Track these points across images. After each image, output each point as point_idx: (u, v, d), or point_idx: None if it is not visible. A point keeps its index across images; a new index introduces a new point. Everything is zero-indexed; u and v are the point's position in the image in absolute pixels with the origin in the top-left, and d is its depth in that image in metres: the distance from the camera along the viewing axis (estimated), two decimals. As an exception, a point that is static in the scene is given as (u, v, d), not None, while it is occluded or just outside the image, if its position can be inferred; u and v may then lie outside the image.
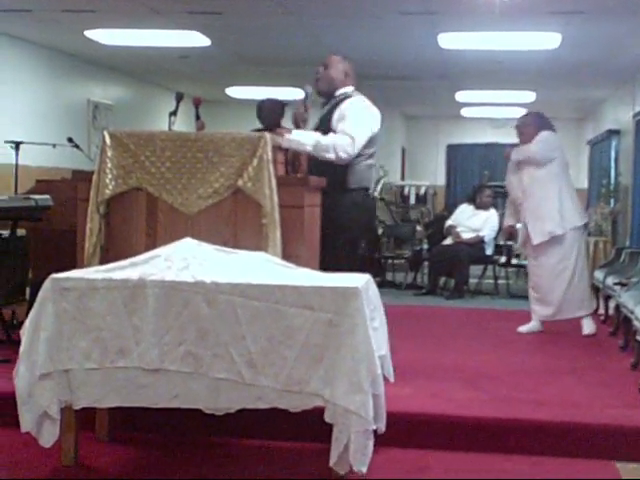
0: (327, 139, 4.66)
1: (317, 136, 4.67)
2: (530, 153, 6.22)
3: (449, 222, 9.64)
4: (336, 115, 4.79)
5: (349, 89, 4.93)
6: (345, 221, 4.76)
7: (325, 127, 4.79)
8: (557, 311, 6.31)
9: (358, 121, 4.72)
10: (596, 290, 7.27)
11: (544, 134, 6.28)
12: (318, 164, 4.65)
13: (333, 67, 4.93)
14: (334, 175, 4.67)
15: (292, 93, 12.99)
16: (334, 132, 4.72)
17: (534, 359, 5.48)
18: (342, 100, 4.85)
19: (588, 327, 6.32)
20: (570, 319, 6.33)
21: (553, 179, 6.21)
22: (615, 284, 6.42)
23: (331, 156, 4.65)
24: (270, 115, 6.23)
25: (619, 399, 4.37)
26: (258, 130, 5.94)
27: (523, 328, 6.47)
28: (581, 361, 5.39)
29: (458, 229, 9.41)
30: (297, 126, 4.80)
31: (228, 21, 7.92)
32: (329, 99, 4.94)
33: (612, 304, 6.72)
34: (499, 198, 10.62)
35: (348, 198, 4.79)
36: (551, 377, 4.90)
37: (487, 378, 4.78)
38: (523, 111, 14.04)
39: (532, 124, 6.33)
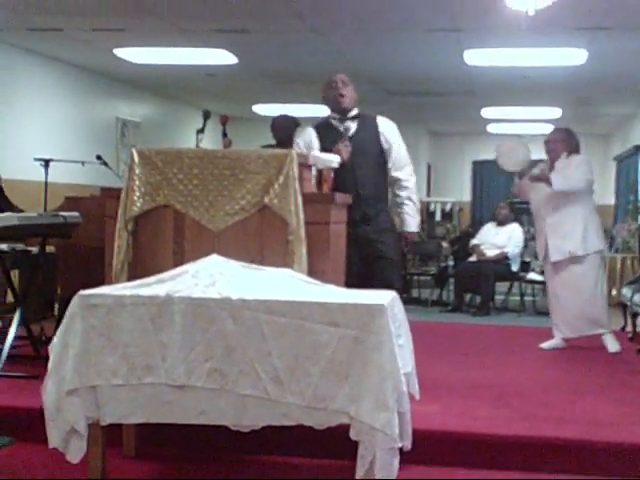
0: (414, 190, 5.24)
1: (414, 194, 5.23)
2: (574, 187, 6.12)
3: (474, 241, 9.63)
4: (387, 137, 5.09)
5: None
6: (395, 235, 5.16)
7: (363, 147, 5.00)
8: (573, 328, 6.28)
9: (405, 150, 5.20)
10: (623, 307, 7.20)
11: (579, 161, 6.23)
12: (366, 181, 4.95)
13: (351, 86, 5.08)
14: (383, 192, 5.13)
15: (318, 110, 13.06)
16: (385, 156, 5.09)
17: (560, 376, 5.44)
18: (372, 119, 5.09)
19: (612, 346, 6.27)
20: (591, 336, 6.29)
21: (580, 200, 6.17)
22: (641, 300, 6.37)
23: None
24: (283, 131, 6.28)
25: (647, 417, 4.33)
26: (271, 146, 5.98)
27: (545, 344, 6.45)
28: (608, 378, 5.35)
29: (482, 247, 9.40)
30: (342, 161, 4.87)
31: (254, 39, 7.98)
32: (343, 116, 5.07)
33: (639, 321, 6.66)
34: (524, 214, 10.60)
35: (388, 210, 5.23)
36: (577, 395, 4.86)
37: (513, 395, 4.76)
38: (549, 127, 14.06)
39: (562, 141, 6.30)
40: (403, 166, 5.14)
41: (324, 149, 4.91)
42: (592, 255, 6.18)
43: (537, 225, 6.49)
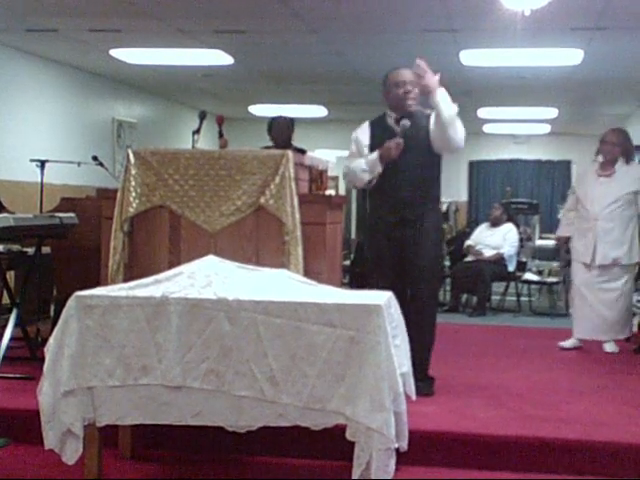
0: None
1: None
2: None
3: (468, 242, 9.64)
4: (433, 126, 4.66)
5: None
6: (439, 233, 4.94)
7: (412, 146, 4.62)
8: (591, 331, 6.28)
9: None
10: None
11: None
12: (410, 183, 4.65)
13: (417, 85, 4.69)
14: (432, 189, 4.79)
15: (314, 110, 13.07)
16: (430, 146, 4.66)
17: (558, 377, 5.44)
18: (426, 117, 4.70)
19: (611, 347, 6.28)
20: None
21: (632, 209, 6.21)
22: (639, 301, 6.38)
23: (456, 135, 4.61)
24: (281, 132, 6.26)
25: (644, 417, 4.33)
26: (268, 147, 5.97)
27: (566, 343, 6.46)
28: (606, 379, 5.35)
29: (478, 247, 9.41)
30: (383, 157, 4.62)
31: (251, 39, 7.98)
32: (402, 115, 4.69)
33: (636, 321, 6.67)
34: (521, 215, 10.60)
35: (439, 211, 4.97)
36: (576, 395, 4.86)
37: (510, 396, 4.76)
38: (546, 127, 14.08)
39: (620, 144, 6.27)
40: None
41: (374, 147, 4.68)
42: (632, 265, 6.24)
43: (580, 223, 6.38)
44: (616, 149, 6.25)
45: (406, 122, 4.61)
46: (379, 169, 4.61)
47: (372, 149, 4.69)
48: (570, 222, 6.49)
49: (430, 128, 4.66)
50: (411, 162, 4.64)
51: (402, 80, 4.68)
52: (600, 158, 6.36)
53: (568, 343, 6.44)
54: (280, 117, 6.56)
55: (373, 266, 4.84)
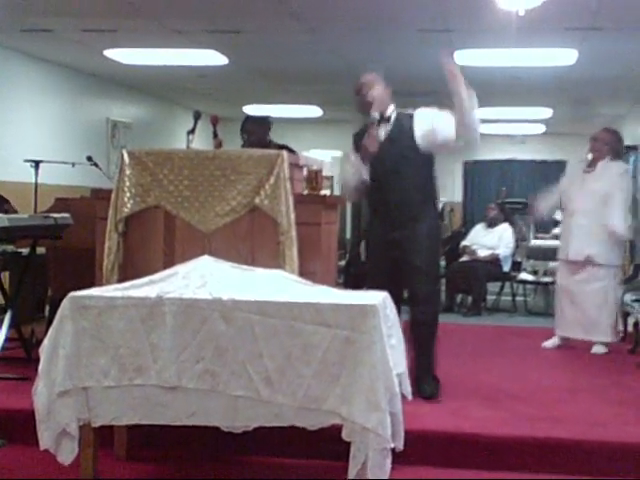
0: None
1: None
2: (617, 193, 6.16)
3: (464, 242, 9.65)
4: (422, 127, 4.61)
5: (393, 107, 4.73)
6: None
7: (395, 151, 4.59)
8: (573, 328, 6.29)
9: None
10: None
11: (623, 168, 6.32)
12: (398, 188, 4.60)
13: (378, 85, 4.70)
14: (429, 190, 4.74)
15: (309, 110, 13.07)
16: (421, 143, 4.60)
17: (552, 377, 5.45)
18: (408, 118, 4.65)
19: (598, 348, 6.28)
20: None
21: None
22: (634, 301, 6.37)
23: (474, 132, 4.58)
24: (256, 134, 6.13)
25: (639, 417, 4.33)
26: (242, 147, 5.92)
27: (547, 343, 6.46)
28: (600, 378, 5.35)
29: (473, 247, 9.41)
30: (364, 156, 4.61)
31: (245, 39, 7.97)
32: (379, 118, 4.65)
33: (630, 321, 6.67)
34: (516, 215, 10.59)
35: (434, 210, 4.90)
36: (570, 395, 4.86)
37: (505, 396, 4.76)
38: (540, 127, 14.09)
39: (608, 143, 6.29)
40: (447, 134, 4.60)
41: (357, 149, 4.67)
42: (614, 267, 6.22)
43: (563, 219, 6.45)
44: (605, 147, 6.27)
45: (374, 114, 4.58)
46: (364, 171, 4.60)
47: (357, 150, 4.69)
48: (546, 200, 6.59)
49: (414, 127, 4.62)
50: (399, 164, 4.60)
51: (359, 86, 4.71)
52: (590, 156, 6.39)
53: (549, 343, 6.45)
54: (255, 117, 6.53)
55: (369, 268, 4.85)
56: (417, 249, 4.63)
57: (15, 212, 6.42)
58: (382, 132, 4.64)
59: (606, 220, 6.10)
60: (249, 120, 6.35)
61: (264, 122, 6.23)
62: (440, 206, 13.91)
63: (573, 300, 6.29)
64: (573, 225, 6.23)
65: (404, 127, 4.65)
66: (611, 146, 6.28)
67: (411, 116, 4.68)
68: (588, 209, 6.18)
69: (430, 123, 4.63)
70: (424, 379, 4.57)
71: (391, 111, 4.70)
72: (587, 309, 6.22)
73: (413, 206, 4.66)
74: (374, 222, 4.82)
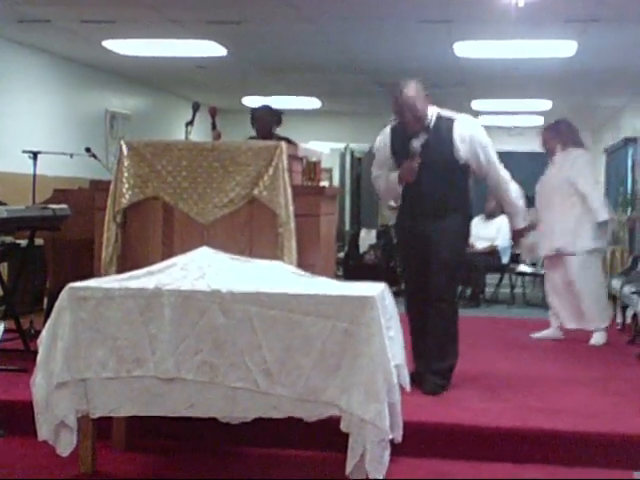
0: (507, 184, 4.75)
1: (509, 189, 4.76)
2: (581, 183, 6.16)
3: None
4: (465, 146, 4.58)
5: (434, 109, 4.66)
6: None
7: (432, 159, 4.53)
8: (568, 319, 6.32)
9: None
10: (613, 299, 7.22)
11: (583, 158, 6.30)
12: (430, 195, 4.57)
13: (416, 99, 4.57)
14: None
15: (308, 102, 13.04)
16: (459, 160, 4.58)
17: (551, 368, 5.45)
18: (449, 123, 4.60)
19: (595, 339, 6.29)
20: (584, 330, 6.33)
21: (573, 198, 6.19)
22: (632, 293, 6.38)
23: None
24: (263, 123, 6.12)
25: (637, 408, 4.34)
26: (251, 138, 5.91)
27: (537, 334, 6.49)
28: (598, 370, 5.36)
29: (471, 239, 9.41)
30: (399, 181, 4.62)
31: (245, 30, 7.94)
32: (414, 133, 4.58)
33: (629, 313, 6.68)
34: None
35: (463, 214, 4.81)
36: (568, 386, 4.87)
37: (504, 387, 4.77)
38: (539, 119, 14.09)
39: (552, 138, 6.35)
40: (487, 170, 4.66)
41: (395, 153, 4.65)
42: (584, 255, 6.20)
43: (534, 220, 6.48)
44: (551, 143, 6.38)
45: (416, 145, 4.50)
46: (399, 189, 4.63)
47: (394, 154, 4.65)
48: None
49: (454, 138, 4.55)
50: (430, 177, 4.53)
51: (397, 107, 4.55)
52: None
53: (544, 334, 6.50)
54: (265, 108, 6.48)
55: (401, 264, 4.84)
56: (444, 244, 4.55)
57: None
58: (421, 139, 4.55)
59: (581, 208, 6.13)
60: (261, 107, 6.35)
61: (274, 114, 6.22)
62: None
63: (560, 292, 6.33)
64: (541, 222, 6.27)
65: (442, 136, 4.56)
66: (556, 139, 6.31)
67: (452, 122, 4.61)
68: (551, 203, 6.23)
69: (475, 148, 4.61)
70: (432, 371, 4.58)
71: (430, 117, 4.60)
72: (574, 299, 6.25)
73: (437, 208, 4.58)
74: (403, 222, 4.79)
